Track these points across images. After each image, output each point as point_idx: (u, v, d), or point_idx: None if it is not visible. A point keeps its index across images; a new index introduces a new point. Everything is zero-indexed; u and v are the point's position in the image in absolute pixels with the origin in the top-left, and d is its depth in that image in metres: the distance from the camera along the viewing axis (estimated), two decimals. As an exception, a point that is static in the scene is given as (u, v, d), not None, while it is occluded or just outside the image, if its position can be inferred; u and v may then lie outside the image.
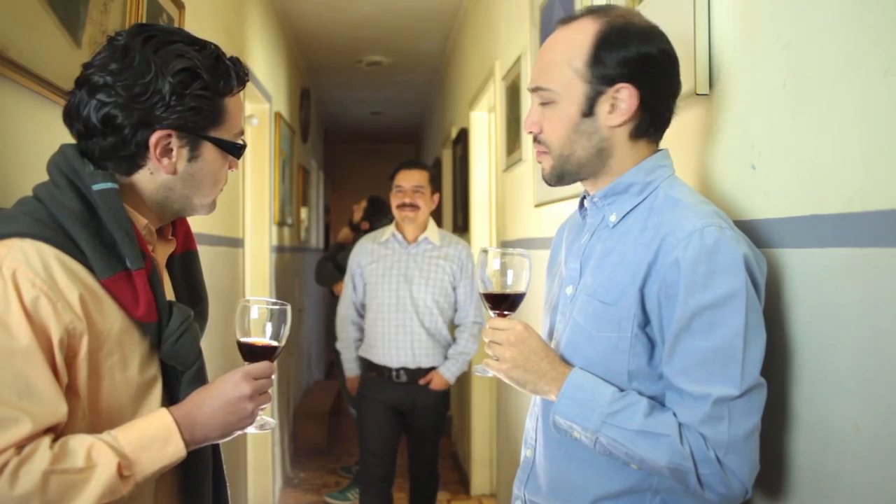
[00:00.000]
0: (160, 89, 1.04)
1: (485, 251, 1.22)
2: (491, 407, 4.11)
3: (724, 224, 1.06)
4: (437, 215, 6.17)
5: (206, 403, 1.05)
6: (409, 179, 3.13)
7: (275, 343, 1.14)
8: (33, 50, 1.33)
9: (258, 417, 1.11)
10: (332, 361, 6.08)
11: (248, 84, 3.45)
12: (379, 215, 4.46)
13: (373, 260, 3.17)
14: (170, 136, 1.07)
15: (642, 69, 1.11)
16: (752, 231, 1.15)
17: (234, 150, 1.15)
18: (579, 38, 1.13)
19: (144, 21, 1.83)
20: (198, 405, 1.05)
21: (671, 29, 1.39)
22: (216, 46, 1.13)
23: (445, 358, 3.14)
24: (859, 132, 0.94)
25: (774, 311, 1.11)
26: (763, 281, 1.07)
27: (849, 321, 0.96)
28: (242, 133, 1.18)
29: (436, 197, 3.22)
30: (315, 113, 6.99)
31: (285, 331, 1.15)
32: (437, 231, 3.21)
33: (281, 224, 4.54)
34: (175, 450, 1.01)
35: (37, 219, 1.00)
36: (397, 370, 3.09)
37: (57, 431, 0.96)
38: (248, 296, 1.08)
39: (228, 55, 1.14)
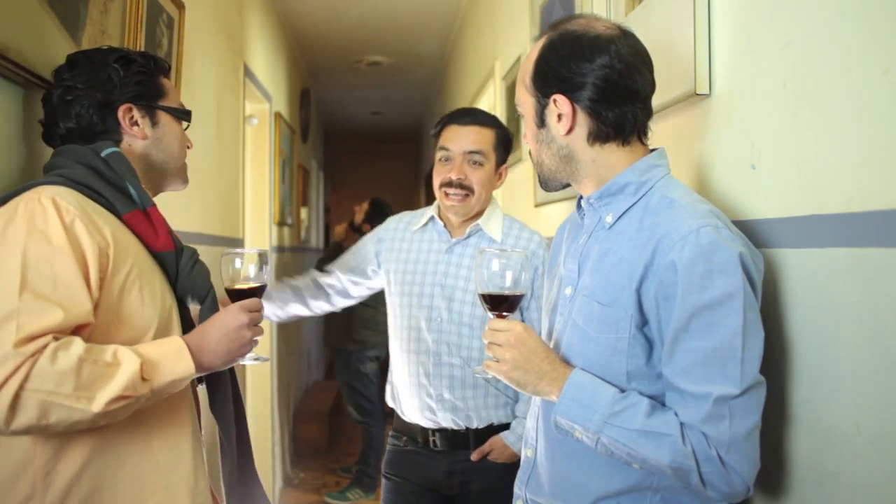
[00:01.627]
0: (109, 75, 1.27)
1: (483, 251, 1.22)
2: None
3: (720, 223, 1.07)
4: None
5: (210, 333, 1.21)
6: (463, 140, 1.92)
7: (259, 284, 1.32)
8: (33, 50, 1.33)
9: (253, 352, 1.27)
10: (332, 361, 6.09)
11: (248, 84, 3.48)
12: (382, 219, 4.43)
13: (401, 250, 2.06)
14: (131, 109, 1.29)
15: (570, 79, 1.14)
16: (752, 231, 1.15)
17: (182, 114, 1.38)
18: (531, 56, 1.21)
19: (144, 22, 1.83)
20: (203, 334, 1.21)
21: (672, 29, 1.39)
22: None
23: (514, 415, 1.97)
24: (859, 132, 0.94)
25: (774, 311, 1.11)
26: (760, 279, 1.07)
27: (849, 321, 0.96)
28: (183, 106, 1.41)
29: (503, 171, 2.00)
30: (315, 113, 7.00)
31: (266, 271, 1.33)
32: (500, 219, 2.01)
33: (281, 224, 4.54)
34: (186, 366, 1.15)
35: (59, 178, 1.18)
36: (433, 433, 1.97)
37: (84, 334, 1.09)
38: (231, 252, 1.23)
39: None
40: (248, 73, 3.46)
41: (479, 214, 1.99)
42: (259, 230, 3.97)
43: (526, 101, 1.22)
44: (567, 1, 2.20)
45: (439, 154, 1.96)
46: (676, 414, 1.05)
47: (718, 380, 1.02)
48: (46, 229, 1.08)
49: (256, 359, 1.29)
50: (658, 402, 1.09)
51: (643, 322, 1.09)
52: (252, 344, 1.25)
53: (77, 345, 1.05)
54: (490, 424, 1.95)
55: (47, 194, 1.11)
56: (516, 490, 1.30)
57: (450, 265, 1.98)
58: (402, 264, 2.03)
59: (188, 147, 1.41)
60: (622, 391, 1.09)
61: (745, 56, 1.21)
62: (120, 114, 1.28)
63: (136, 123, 1.30)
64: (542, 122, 1.20)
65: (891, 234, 0.88)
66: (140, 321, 1.17)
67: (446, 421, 1.95)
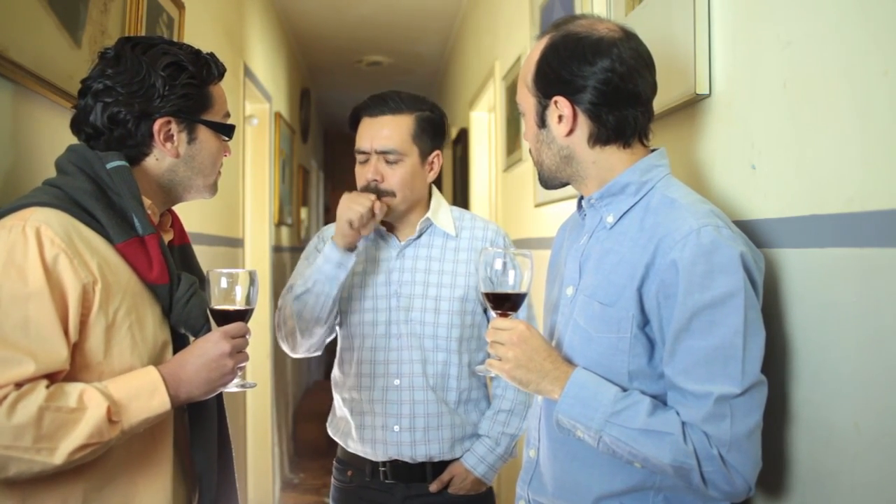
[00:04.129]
0: (154, 83, 1.18)
1: (485, 250, 1.22)
2: (491, 407, 4.11)
3: (721, 223, 1.07)
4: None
5: (189, 362, 1.14)
6: (374, 136, 1.69)
7: (245, 307, 1.21)
8: (33, 50, 1.33)
9: (238, 378, 1.19)
10: (332, 361, 6.07)
11: (248, 84, 3.48)
12: None
13: None
14: (169, 122, 1.21)
15: (572, 82, 1.15)
16: (752, 231, 1.15)
17: (226, 130, 1.28)
18: (533, 56, 1.21)
19: (144, 22, 1.83)
20: (181, 364, 1.14)
21: (672, 29, 1.39)
22: (191, 46, 1.27)
23: (476, 437, 1.77)
24: (859, 132, 0.94)
25: (774, 311, 1.11)
26: (761, 279, 1.07)
27: (849, 321, 0.96)
28: (229, 115, 1.31)
29: (435, 160, 1.76)
30: (315, 113, 7.00)
31: (255, 293, 1.23)
32: (448, 210, 1.81)
33: (280, 224, 4.54)
34: (160, 402, 1.08)
35: (55, 195, 1.11)
36: (383, 464, 1.74)
37: (56, 380, 1.04)
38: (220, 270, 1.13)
39: (208, 52, 1.29)
40: (248, 73, 3.46)
41: (424, 207, 1.76)
42: (259, 230, 3.96)
43: (527, 101, 1.22)
44: (567, 1, 2.20)
45: (357, 156, 1.73)
46: (678, 413, 1.05)
47: (719, 379, 1.02)
48: (24, 265, 1.01)
49: (243, 385, 1.22)
50: (660, 401, 1.09)
51: (644, 322, 1.09)
52: (234, 373, 1.17)
53: (38, 392, 0.99)
54: (453, 459, 1.74)
55: (33, 222, 1.04)
56: (519, 490, 1.30)
57: (403, 271, 1.74)
58: (350, 278, 1.74)
59: (226, 155, 1.31)
60: (624, 390, 1.10)
61: (745, 56, 1.21)
62: (156, 127, 1.19)
63: (170, 139, 1.21)
64: (542, 122, 1.20)
65: (891, 234, 0.88)
66: (129, 361, 1.11)
67: (400, 454, 1.71)
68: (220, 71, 1.29)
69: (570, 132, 1.17)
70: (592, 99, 1.14)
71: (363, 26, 4.98)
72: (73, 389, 1.02)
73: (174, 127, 1.21)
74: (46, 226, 1.04)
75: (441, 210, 1.79)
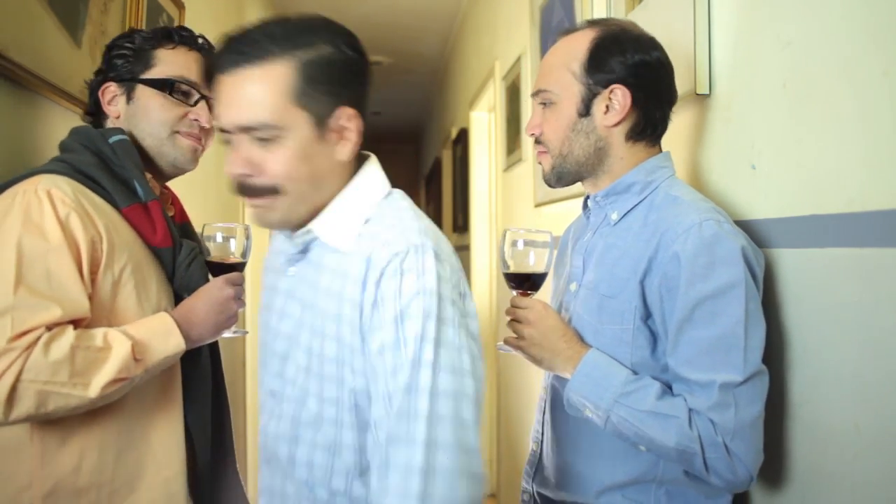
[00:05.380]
0: (103, 56, 1.29)
1: (506, 231, 1.24)
2: (491, 407, 4.12)
3: (722, 218, 1.09)
4: (437, 217, 6.15)
5: (197, 306, 1.22)
6: (229, 103, 0.98)
7: (241, 260, 1.30)
8: (33, 50, 1.33)
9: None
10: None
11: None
12: None
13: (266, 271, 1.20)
14: (110, 86, 1.27)
15: (634, 71, 1.16)
16: (753, 231, 1.15)
17: (161, 84, 1.26)
18: (578, 44, 1.20)
19: (144, 22, 1.83)
20: (191, 308, 1.22)
21: (672, 29, 1.39)
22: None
23: None
24: (859, 132, 0.94)
25: (775, 311, 1.11)
26: (761, 274, 1.08)
27: (849, 321, 0.96)
28: (189, 82, 1.28)
29: (346, 122, 1.03)
30: (315, 113, 6.97)
31: (249, 245, 1.31)
32: (358, 204, 1.06)
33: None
34: (176, 343, 1.16)
35: (60, 167, 1.18)
36: None
37: (81, 327, 1.10)
38: (212, 225, 1.08)
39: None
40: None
41: (316, 210, 1.05)
42: (259, 230, 3.96)
43: (570, 88, 1.19)
44: (567, 1, 2.20)
45: (220, 135, 1.02)
46: (685, 400, 1.06)
47: (722, 367, 1.03)
48: (42, 223, 1.09)
49: (236, 332, 1.30)
50: None
51: (647, 314, 1.11)
52: (237, 317, 1.27)
53: (68, 333, 1.06)
54: None
55: (43, 185, 1.11)
56: (523, 484, 1.33)
57: (287, 294, 1.08)
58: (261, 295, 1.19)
59: (193, 119, 1.27)
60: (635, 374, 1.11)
61: (745, 56, 1.21)
62: (100, 92, 1.28)
63: (114, 102, 1.28)
64: (587, 110, 1.18)
65: (891, 234, 0.88)
66: (134, 318, 1.17)
67: None
68: (169, 35, 1.29)
69: (617, 123, 1.18)
70: (648, 91, 1.17)
71: (363, 26, 4.94)
72: (97, 332, 1.10)
73: (116, 90, 1.27)
74: (56, 188, 1.12)
75: (345, 207, 1.05)
